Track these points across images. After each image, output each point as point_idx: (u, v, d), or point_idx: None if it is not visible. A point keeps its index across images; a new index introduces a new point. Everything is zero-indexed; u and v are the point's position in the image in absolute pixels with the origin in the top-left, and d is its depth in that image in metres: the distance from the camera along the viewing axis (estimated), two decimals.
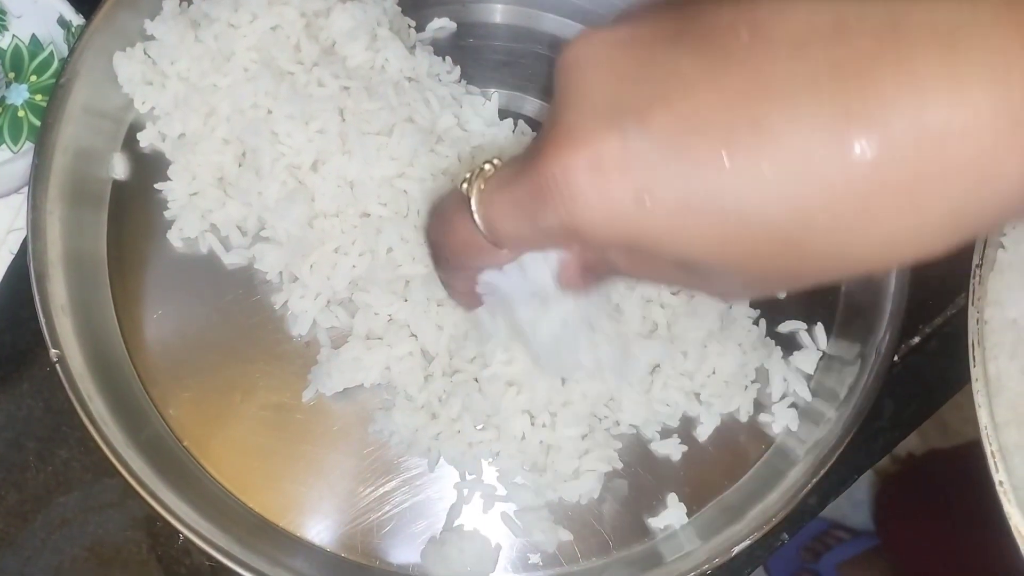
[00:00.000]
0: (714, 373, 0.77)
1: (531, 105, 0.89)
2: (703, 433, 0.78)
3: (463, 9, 0.92)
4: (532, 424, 0.74)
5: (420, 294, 0.76)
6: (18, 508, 0.75)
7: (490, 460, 0.76)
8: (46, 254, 0.75)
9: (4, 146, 0.86)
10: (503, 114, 0.86)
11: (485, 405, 0.74)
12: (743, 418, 0.79)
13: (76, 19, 0.85)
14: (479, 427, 0.75)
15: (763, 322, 0.80)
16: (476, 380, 0.75)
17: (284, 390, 0.78)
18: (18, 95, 0.88)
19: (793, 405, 0.79)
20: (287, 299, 0.80)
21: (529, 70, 0.90)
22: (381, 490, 0.76)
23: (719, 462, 0.78)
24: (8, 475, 0.76)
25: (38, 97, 0.87)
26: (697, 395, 0.78)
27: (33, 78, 0.88)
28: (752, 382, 0.78)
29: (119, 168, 0.84)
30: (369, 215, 0.80)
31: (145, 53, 0.84)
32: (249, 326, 0.80)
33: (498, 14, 0.93)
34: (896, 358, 0.80)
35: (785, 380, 0.79)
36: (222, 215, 0.82)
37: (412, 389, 0.76)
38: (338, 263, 0.78)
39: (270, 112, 0.81)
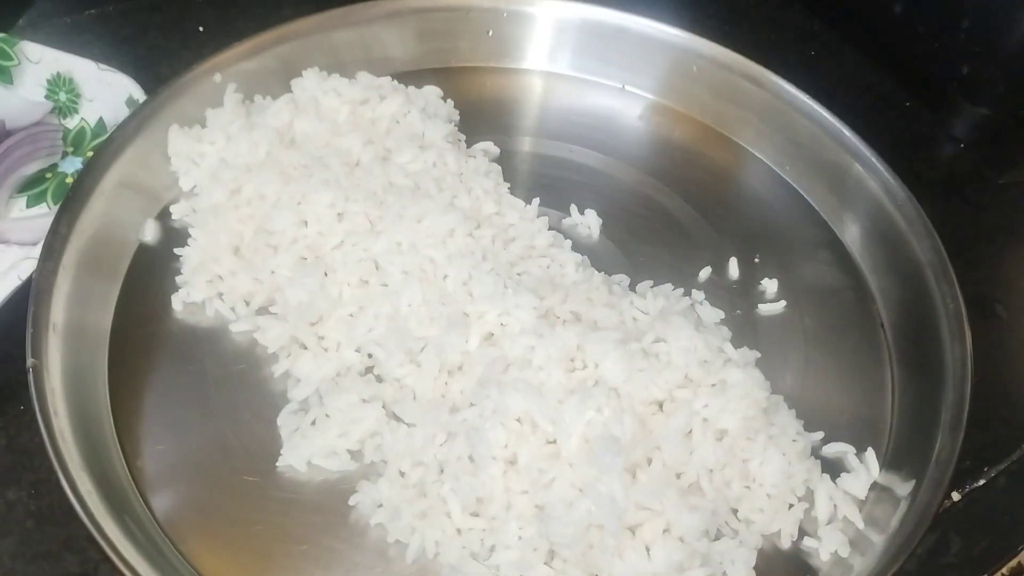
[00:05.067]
0: (754, 482, 0.67)
1: (568, 220, 0.89)
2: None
3: (506, 139, 0.96)
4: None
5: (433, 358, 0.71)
6: None
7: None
8: (55, 273, 0.72)
9: (44, 204, 0.87)
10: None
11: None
12: (785, 544, 0.68)
13: (143, 99, 0.89)
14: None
15: (807, 436, 0.72)
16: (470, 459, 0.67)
17: (264, 458, 0.70)
18: (71, 165, 0.90)
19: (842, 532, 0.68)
20: (287, 368, 0.75)
21: (565, 193, 0.91)
22: None
23: None
24: None
25: None
26: (735, 512, 0.68)
27: (90, 154, 0.91)
28: (799, 499, 0.68)
29: (149, 232, 0.83)
30: (387, 285, 0.76)
31: (198, 137, 0.87)
32: (243, 390, 0.74)
33: (539, 146, 0.96)
34: (957, 495, 0.70)
35: (833, 503, 0.69)
36: (231, 285, 0.79)
37: (405, 464, 0.68)
38: (355, 325, 0.74)
39: (300, 204, 0.80)
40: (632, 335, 0.71)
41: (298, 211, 0.79)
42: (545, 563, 0.63)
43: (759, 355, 0.74)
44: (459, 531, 0.65)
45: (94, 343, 0.75)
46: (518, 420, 0.65)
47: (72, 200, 0.77)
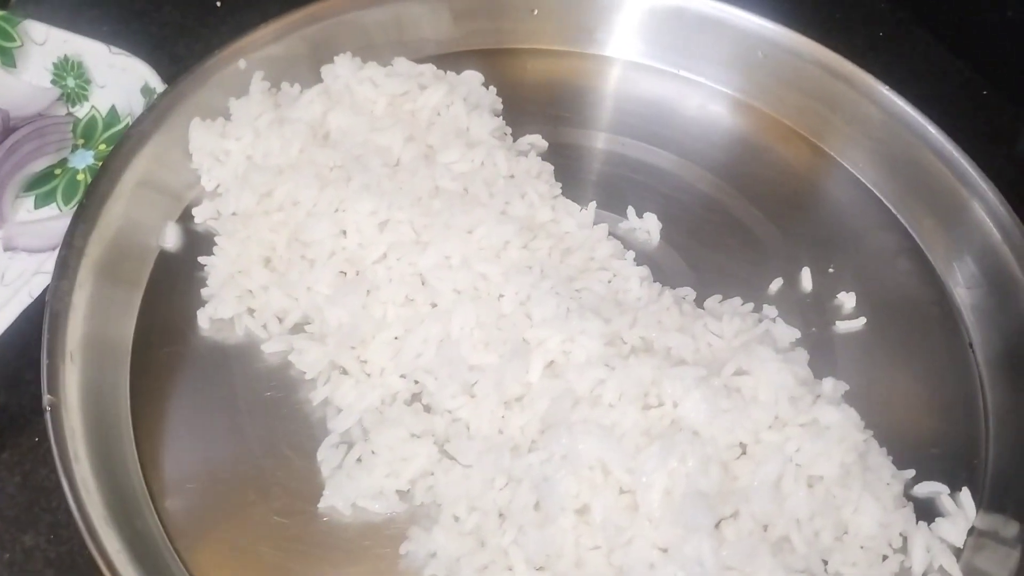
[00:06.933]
0: (846, 534, 0.61)
1: (625, 224, 0.81)
2: None
3: (554, 131, 0.88)
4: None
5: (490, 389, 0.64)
6: None
7: None
8: (71, 294, 0.65)
9: (54, 204, 0.80)
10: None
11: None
12: None
13: (161, 87, 0.81)
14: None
15: (901, 476, 0.66)
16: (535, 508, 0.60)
17: (304, 497, 0.64)
18: (82, 160, 0.83)
19: None
20: (327, 395, 0.68)
21: (620, 192, 0.83)
22: None
23: None
24: None
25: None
26: (825, 563, 0.61)
27: (102, 147, 0.83)
28: (895, 551, 0.62)
29: (170, 238, 0.76)
30: (436, 305, 0.69)
31: (222, 131, 0.79)
32: (278, 418, 0.68)
33: (590, 139, 0.88)
34: None
35: (929, 551, 0.63)
36: (263, 301, 0.71)
37: (460, 509, 0.62)
38: (402, 349, 0.67)
39: (338, 211, 0.73)
40: (711, 367, 0.64)
41: (336, 219, 0.72)
42: None
43: (847, 387, 0.68)
44: None
45: (115, 361, 0.68)
46: (590, 468, 0.59)
47: (88, 206, 0.70)
